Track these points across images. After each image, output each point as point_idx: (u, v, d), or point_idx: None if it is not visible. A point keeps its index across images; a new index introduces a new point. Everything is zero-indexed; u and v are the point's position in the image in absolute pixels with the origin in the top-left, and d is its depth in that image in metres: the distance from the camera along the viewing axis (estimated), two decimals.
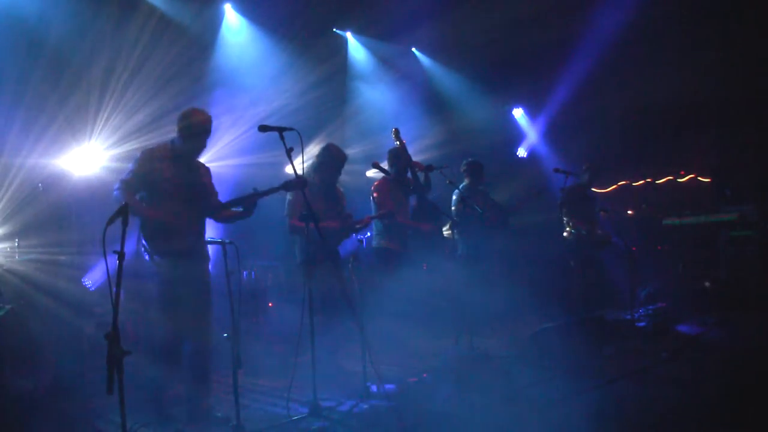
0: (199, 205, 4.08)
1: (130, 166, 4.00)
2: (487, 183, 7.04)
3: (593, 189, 7.56)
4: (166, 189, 3.93)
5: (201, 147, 4.10)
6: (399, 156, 5.88)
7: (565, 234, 6.96)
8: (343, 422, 3.89)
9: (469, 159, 6.91)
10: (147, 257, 3.89)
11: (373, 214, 5.80)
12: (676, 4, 7.79)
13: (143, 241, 3.91)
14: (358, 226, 5.28)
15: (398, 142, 5.90)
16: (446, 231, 6.47)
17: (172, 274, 3.86)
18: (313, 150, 5.74)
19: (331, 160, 5.13)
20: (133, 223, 3.88)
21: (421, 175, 6.13)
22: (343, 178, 5.43)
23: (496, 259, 6.51)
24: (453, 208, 6.50)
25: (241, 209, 4.16)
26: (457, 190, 6.31)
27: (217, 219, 4.30)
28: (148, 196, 3.94)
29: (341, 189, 5.43)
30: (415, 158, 6.18)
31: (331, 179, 5.14)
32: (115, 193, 3.86)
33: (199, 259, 4.05)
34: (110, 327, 2.64)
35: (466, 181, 6.83)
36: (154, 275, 3.88)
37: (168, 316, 3.88)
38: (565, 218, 6.96)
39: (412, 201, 6.07)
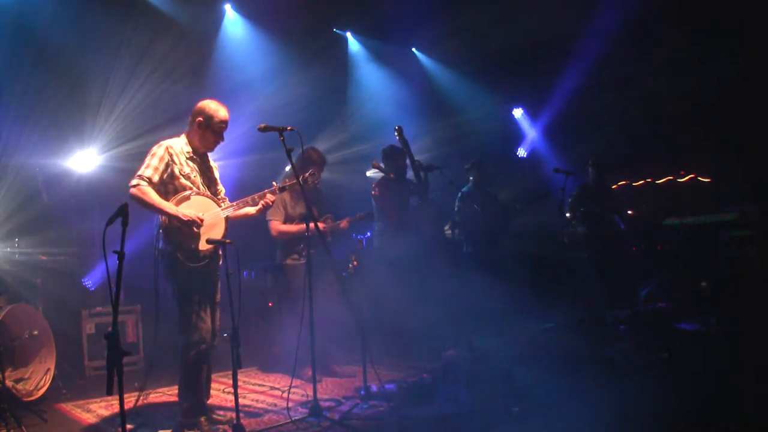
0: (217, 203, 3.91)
1: (148, 159, 3.73)
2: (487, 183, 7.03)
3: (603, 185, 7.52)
4: (185, 186, 3.76)
5: (219, 141, 3.92)
6: (391, 155, 5.85)
7: (578, 231, 6.93)
8: (343, 422, 3.89)
9: (473, 159, 6.89)
10: (169, 256, 3.69)
11: (373, 215, 5.81)
12: (676, 4, 7.79)
13: (164, 240, 3.69)
14: (339, 227, 5.30)
15: (400, 140, 5.87)
16: (446, 230, 6.47)
17: (196, 273, 3.74)
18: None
19: (312, 164, 5.14)
20: (143, 218, 3.79)
21: (422, 175, 6.12)
22: (344, 178, 5.45)
23: (498, 258, 6.50)
24: (455, 207, 6.50)
25: (252, 211, 4.03)
26: (460, 192, 6.32)
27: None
28: (164, 193, 3.72)
29: (322, 189, 5.47)
30: (415, 158, 6.17)
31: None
32: (133, 190, 3.60)
33: (216, 257, 3.93)
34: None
35: (471, 181, 6.81)
36: (179, 274, 3.72)
37: (189, 316, 3.76)
38: (572, 220, 6.93)
39: (413, 201, 6.06)
